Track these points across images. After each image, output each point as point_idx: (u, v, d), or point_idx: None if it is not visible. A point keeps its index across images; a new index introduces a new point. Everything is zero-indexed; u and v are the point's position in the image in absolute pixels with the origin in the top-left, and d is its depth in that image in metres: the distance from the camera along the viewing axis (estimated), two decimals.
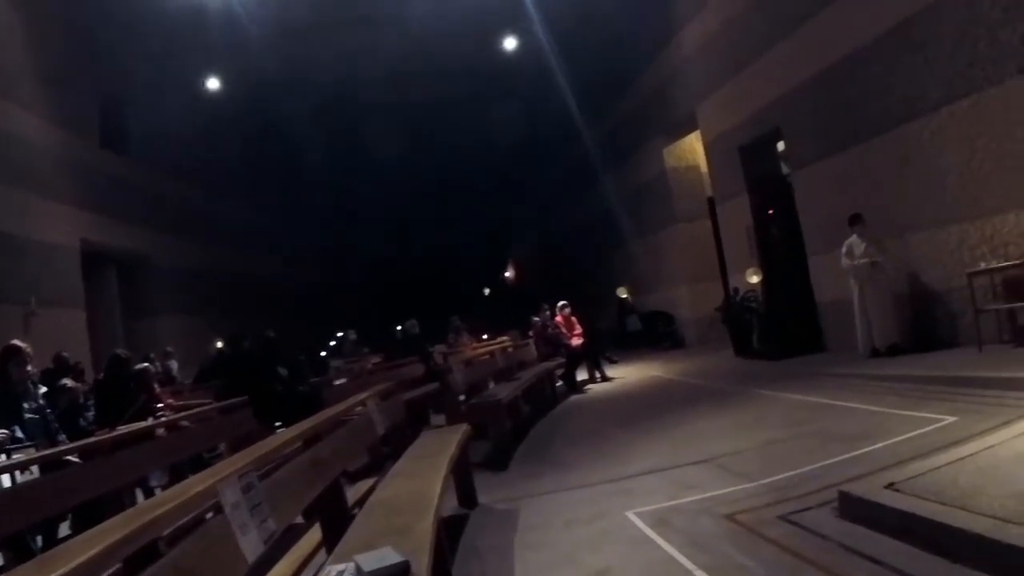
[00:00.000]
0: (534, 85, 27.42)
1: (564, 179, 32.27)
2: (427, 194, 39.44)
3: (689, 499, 6.29)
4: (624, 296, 25.30)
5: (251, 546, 3.15)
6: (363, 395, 7.24)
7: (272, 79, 24.79)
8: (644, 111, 22.62)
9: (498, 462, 9.26)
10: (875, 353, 12.15)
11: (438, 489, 5.12)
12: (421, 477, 5.59)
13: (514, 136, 31.81)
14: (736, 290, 17.14)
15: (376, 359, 17.83)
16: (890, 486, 4.94)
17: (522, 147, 33.76)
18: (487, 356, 14.12)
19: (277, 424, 10.03)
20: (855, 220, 12.25)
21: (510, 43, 26.31)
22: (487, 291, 49.40)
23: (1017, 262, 10.10)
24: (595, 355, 17.66)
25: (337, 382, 14.35)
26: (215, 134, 26.68)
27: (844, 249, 12.36)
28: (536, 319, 18.22)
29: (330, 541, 4.86)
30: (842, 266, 12.45)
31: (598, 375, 17.24)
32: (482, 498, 7.47)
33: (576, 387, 16.32)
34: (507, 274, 47.20)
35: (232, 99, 25.63)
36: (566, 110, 26.40)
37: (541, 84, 26.63)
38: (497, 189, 39.94)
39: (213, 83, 25.05)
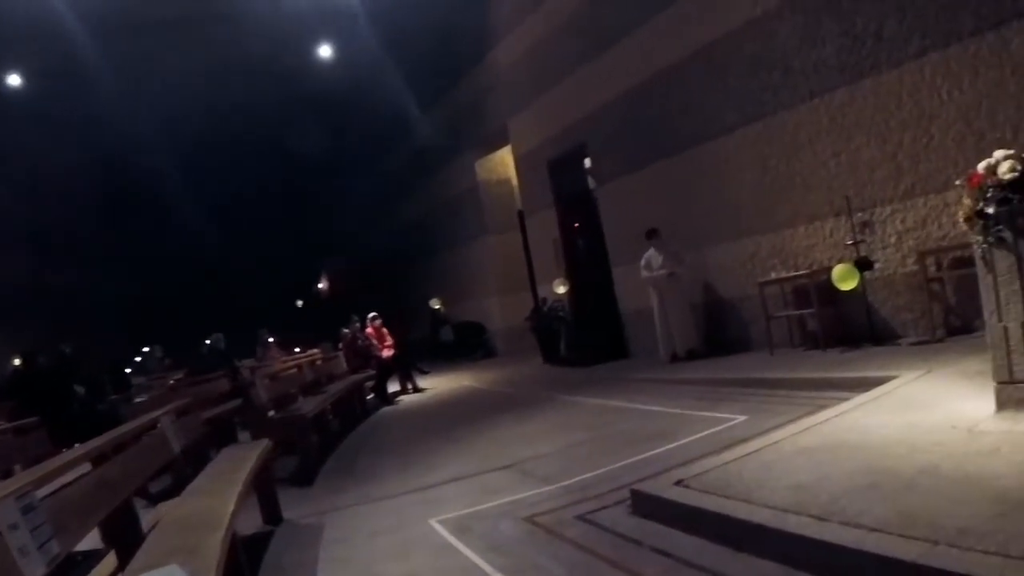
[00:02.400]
0: (350, 95, 26.90)
1: (381, 190, 31.84)
2: (240, 203, 38.03)
3: (491, 504, 6.26)
4: (437, 307, 25.11)
5: (33, 569, 3.01)
6: (157, 413, 6.80)
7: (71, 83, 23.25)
8: (458, 124, 22.60)
9: (304, 477, 8.92)
10: (675, 358, 12.53)
11: (232, 506, 4.87)
12: (216, 494, 5.33)
13: (327, 147, 31.07)
14: (544, 300, 17.33)
15: (179, 375, 17.02)
16: (679, 483, 5.05)
17: (336, 158, 33.07)
18: (295, 370, 13.64)
19: (77, 445, 9.35)
20: (652, 234, 12.67)
21: (325, 50, 25.69)
22: (300, 303, 48.16)
23: (805, 272, 10.65)
24: (406, 366, 17.39)
25: (138, 399, 13.53)
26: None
27: (643, 261, 12.72)
28: (346, 331, 17.76)
29: (123, 562, 4.52)
30: (642, 278, 12.78)
31: (410, 386, 16.97)
32: (287, 514, 7.15)
33: (387, 399, 15.96)
34: (320, 286, 46.24)
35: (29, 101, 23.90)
36: (383, 121, 26.08)
37: (357, 95, 26.17)
38: (312, 200, 39.05)
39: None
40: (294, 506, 7.47)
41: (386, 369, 16.81)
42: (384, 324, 17.60)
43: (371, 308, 18.26)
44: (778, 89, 11.05)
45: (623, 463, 6.62)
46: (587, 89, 15.13)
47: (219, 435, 10.51)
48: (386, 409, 15.19)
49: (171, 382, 15.51)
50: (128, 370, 25.37)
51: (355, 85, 25.30)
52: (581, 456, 7.36)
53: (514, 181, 20.81)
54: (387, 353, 17.02)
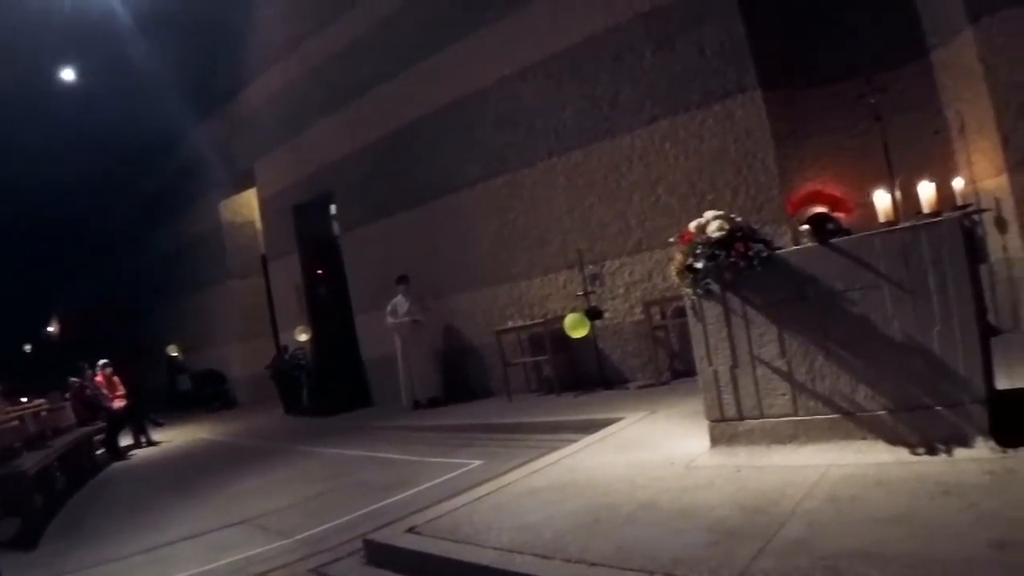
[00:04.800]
0: (90, 123, 24.80)
1: (120, 229, 29.75)
2: None
3: (224, 562, 5.84)
4: (175, 354, 23.60)
5: None
6: None
7: None
8: (205, 162, 21.17)
9: (26, 540, 7.86)
10: (417, 405, 12.32)
11: None
12: None
13: (64, 181, 28.52)
14: (286, 348, 16.65)
15: None
16: (411, 530, 4.97)
17: (74, 193, 30.53)
18: (15, 422, 12.22)
19: None
20: (401, 280, 12.50)
21: (68, 74, 23.63)
22: (28, 348, 43.96)
23: (540, 321, 10.85)
24: (140, 418, 16.07)
25: None
26: None
27: (389, 308, 12.49)
28: (74, 380, 16.17)
29: None
30: (387, 324, 12.56)
31: (143, 439, 15.67)
32: None
33: (119, 453, 14.60)
34: (51, 329, 42.49)
35: None
36: (127, 157, 24.33)
37: (98, 125, 24.21)
38: (43, 240, 35.91)
39: None
40: (16, 572, 6.69)
41: (117, 421, 15.39)
42: (116, 372, 16.20)
43: (105, 354, 16.83)
44: (520, 146, 11.33)
45: (360, 513, 6.45)
46: (336, 135, 14.83)
47: None
48: (118, 464, 13.84)
49: None
50: None
51: (94, 112, 23.43)
52: (319, 508, 7.06)
53: (259, 224, 19.90)
54: (118, 404, 15.64)
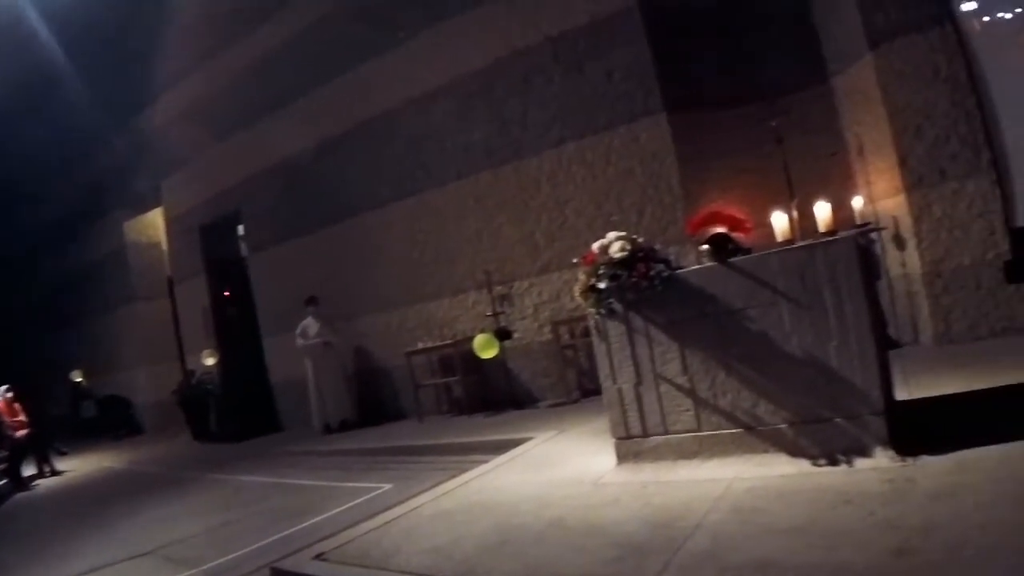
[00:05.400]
0: None
1: (20, 251, 28.58)
2: None
3: None
4: (79, 380, 22.71)
5: None
6: None
7: None
8: (110, 181, 20.50)
9: None
10: (328, 429, 12.10)
11: None
12: None
13: None
14: (193, 372, 16.21)
15: None
16: (319, 556, 4.86)
17: None
18: None
19: None
20: (311, 301, 12.30)
21: None
22: None
23: (449, 342, 10.78)
24: (43, 446, 15.44)
25: None
26: None
27: (299, 330, 12.27)
28: None
29: None
30: (297, 346, 12.33)
31: (47, 469, 15.02)
32: None
33: (22, 484, 14.02)
34: None
35: None
36: (27, 176, 23.40)
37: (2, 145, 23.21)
38: None
39: None
40: None
41: (20, 450, 14.75)
42: (17, 398, 15.51)
43: (3, 380, 16.11)
44: (431, 167, 11.30)
45: (268, 541, 6.29)
46: (244, 154, 14.44)
47: None
48: (21, 495, 13.33)
49: None
50: None
51: None
52: (227, 537, 6.85)
53: (165, 245, 19.30)
54: (21, 432, 14.97)
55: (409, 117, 11.56)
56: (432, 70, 11.19)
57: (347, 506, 7.03)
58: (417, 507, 5.62)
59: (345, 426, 12.08)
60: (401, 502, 6.08)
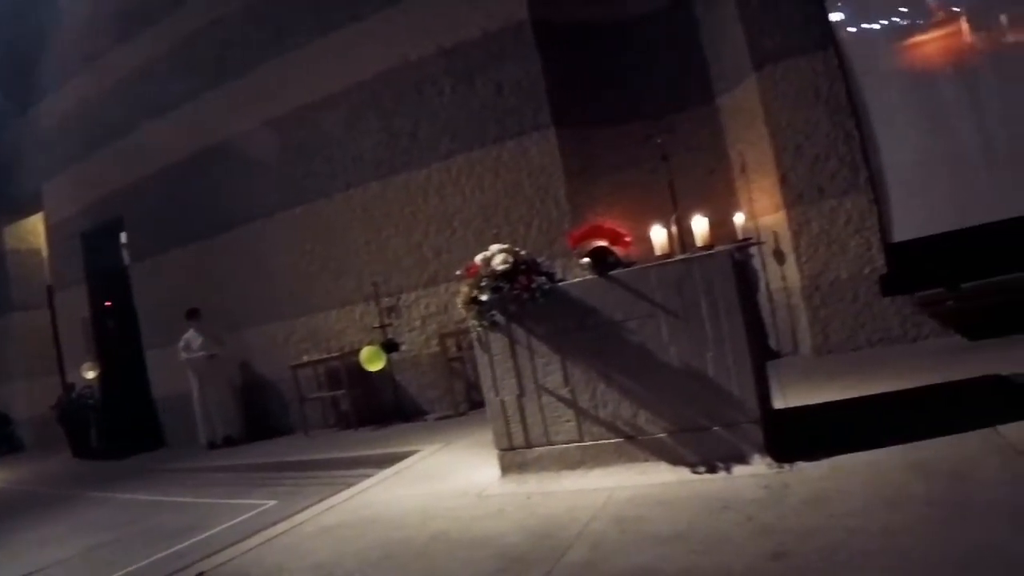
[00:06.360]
0: None
1: None
2: None
3: None
4: None
5: None
6: None
7: None
8: None
9: None
10: (213, 445, 11.72)
11: None
12: None
13: None
14: (73, 386, 15.52)
15: None
16: None
17: None
18: None
19: None
20: (192, 314, 11.91)
21: None
22: None
23: (336, 354, 10.60)
24: None
25: None
26: None
27: (182, 343, 11.85)
28: None
29: None
30: (181, 359, 11.92)
31: None
32: None
33: None
34: None
35: None
36: None
37: None
38: None
39: None
40: None
41: None
42: None
43: None
44: (319, 177, 11.09)
45: (148, 561, 6.03)
46: (129, 159, 13.81)
47: None
48: None
49: None
50: None
51: None
52: (104, 558, 6.54)
53: (45, 252, 18.48)
54: None
55: (298, 126, 11.31)
56: (322, 79, 10.96)
57: (230, 523, 6.79)
58: (300, 523, 5.52)
59: (231, 441, 11.69)
60: (285, 518, 5.95)
